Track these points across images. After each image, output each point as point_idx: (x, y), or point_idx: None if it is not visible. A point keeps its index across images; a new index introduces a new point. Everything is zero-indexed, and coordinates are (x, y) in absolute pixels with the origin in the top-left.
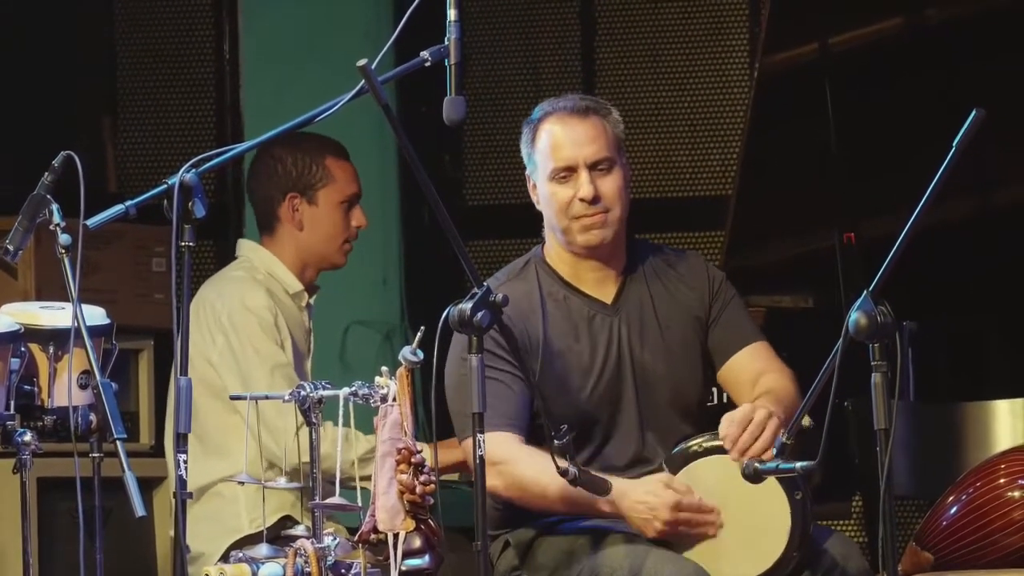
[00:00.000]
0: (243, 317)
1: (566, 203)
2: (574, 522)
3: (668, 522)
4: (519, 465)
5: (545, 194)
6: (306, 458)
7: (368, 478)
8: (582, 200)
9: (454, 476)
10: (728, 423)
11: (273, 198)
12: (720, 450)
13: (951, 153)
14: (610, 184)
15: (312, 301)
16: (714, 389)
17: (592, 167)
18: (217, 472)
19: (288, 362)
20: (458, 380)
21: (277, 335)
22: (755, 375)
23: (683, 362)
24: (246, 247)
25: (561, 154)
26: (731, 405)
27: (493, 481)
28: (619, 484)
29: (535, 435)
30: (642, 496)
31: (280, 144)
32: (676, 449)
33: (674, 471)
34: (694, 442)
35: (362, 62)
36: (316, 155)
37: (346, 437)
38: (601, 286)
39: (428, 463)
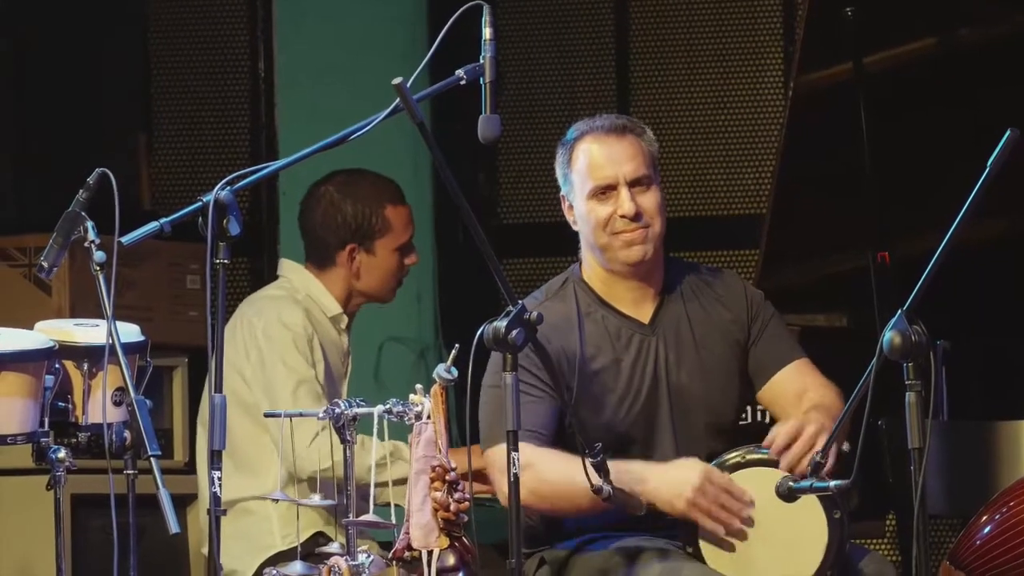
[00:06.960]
0: (278, 331)
1: (605, 220)
2: (608, 540)
3: (697, 489)
4: (541, 467)
5: (583, 212)
6: (324, 465)
7: (383, 484)
8: (623, 217)
9: (488, 494)
10: (776, 434)
11: (330, 244)
12: (758, 463)
13: (985, 172)
14: (650, 200)
15: (351, 324)
16: (748, 408)
17: (632, 184)
18: (246, 489)
19: (316, 378)
20: (490, 394)
21: (310, 354)
22: (799, 392)
23: (719, 382)
24: (287, 267)
25: (601, 172)
26: (764, 423)
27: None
28: (644, 471)
29: (563, 449)
30: (671, 469)
31: (338, 188)
32: (715, 461)
33: None
34: (733, 454)
35: (397, 80)
36: (375, 204)
37: (361, 444)
38: (638, 305)
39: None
